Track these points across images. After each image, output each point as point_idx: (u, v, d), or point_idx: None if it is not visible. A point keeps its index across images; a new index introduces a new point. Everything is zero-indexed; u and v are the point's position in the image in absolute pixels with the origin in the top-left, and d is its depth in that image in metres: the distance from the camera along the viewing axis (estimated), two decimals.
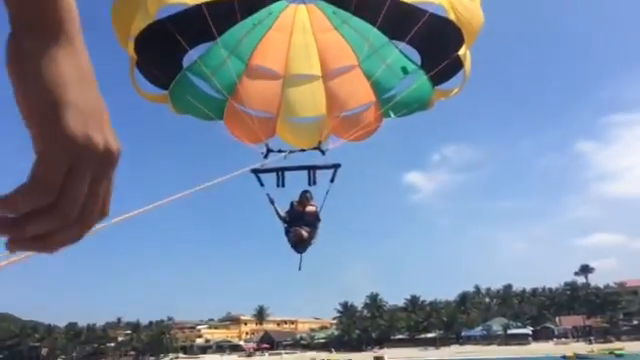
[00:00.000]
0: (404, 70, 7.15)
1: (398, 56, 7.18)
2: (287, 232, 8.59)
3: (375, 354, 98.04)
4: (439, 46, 6.80)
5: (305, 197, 8.83)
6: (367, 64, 7.40)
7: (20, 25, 0.78)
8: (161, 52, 8.10)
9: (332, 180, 8.57)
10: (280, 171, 8.51)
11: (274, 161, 8.37)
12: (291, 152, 8.43)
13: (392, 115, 7.60)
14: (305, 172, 8.59)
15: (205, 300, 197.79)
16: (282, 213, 8.79)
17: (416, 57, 7.17)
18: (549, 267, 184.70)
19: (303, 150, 8.50)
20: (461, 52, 6.37)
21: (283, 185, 8.59)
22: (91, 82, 0.79)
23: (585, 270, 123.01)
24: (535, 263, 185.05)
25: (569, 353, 69.24)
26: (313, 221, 8.68)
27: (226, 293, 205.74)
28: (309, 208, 8.81)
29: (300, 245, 8.38)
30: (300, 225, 8.50)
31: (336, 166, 8.50)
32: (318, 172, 8.59)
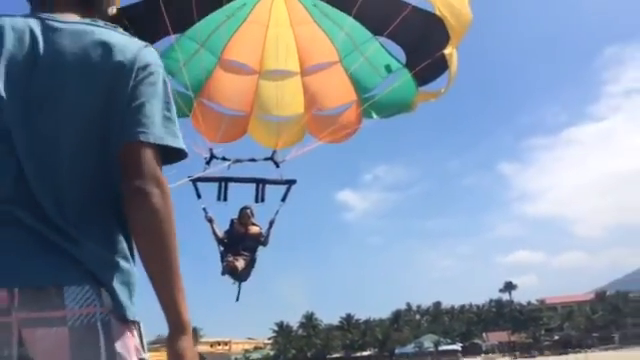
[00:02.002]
0: (388, 69, 6.90)
1: (382, 53, 6.92)
2: (222, 258, 7.43)
3: None
4: (423, 44, 6.61)
5: (245, 214, 7.69)
6: (348, 60, 7.06)
7: (170, 328, 1.45)
8: None
9: (284, 199, 7.48)
10: (224, 182, 7.45)
11: (217, 171, 7.47)
12: (237, 161, 7.47)
13: (374, 116, 7.32)
14: (253, 186, 7.62)
15: None
16: (220, 234, 7.60)
17: (401, 55, 6.99)
18: (475, 283, 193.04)
19: (253, 160, 7.62)
20: (447, 51, 6.25)
21: (225, 199, 7.46)
22: (192, 353, 1.46)
23: (509, 287, 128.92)
24: (462, 280, 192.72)
25: None
26: (255, 245, 7.57)
27: (153, 315, 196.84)
28: (252, 229, 7.69)
29: (235, 275, 7.28)
30: (239, 251, 7.35)
31: (291, 182, 7.52)
32: (268, 187, 7.64)
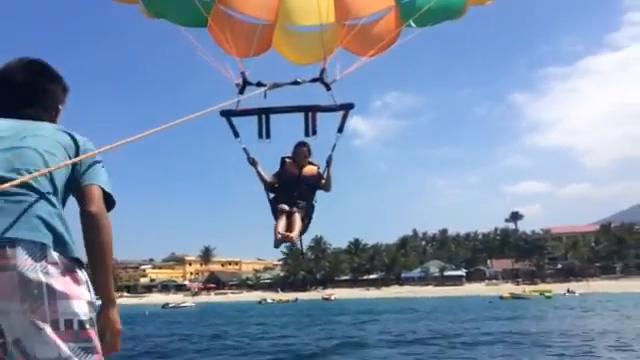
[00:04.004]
0: None
1: None
2: (273, 208, 6.23)
3: (322, 294, 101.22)
4: None
5: (301, 153, 6.40)
6: None
7: (102, 303, 2.15)
8: None
9: (340, 129, 6.16)
10: (264, 114, 6.13)
11: (252, 99, 6.10)
12: (276, 86, 6.04)
13: (413, 25, 6.49)
14: (301, 116, 6.25)
15: (147, 240, 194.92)
16: (268, 177, 6.33)
17: None
18: (481, 212, 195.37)
19: (297, 83, 6.23)
20: None
21: (268, 136, 6.11)
22: (118, 318, 2.21)
23: (515, 217, 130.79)
24: (468, 208, 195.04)
25: (505, 294, 73.90)
26: (313, 189, 6.35)
27: (167, 233, 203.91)
28: (308, 169, 6.42)
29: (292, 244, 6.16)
30: (293, 198, 6.19)
31: (347, 107, 6.14)
32: (320, 116, 6.26)
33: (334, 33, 6.75)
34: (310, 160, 6.50)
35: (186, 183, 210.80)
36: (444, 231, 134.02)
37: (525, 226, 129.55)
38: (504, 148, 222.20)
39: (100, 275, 2.14)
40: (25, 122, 2.29)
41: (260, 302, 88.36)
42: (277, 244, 6.10)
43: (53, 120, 2.48)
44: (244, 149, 6.24)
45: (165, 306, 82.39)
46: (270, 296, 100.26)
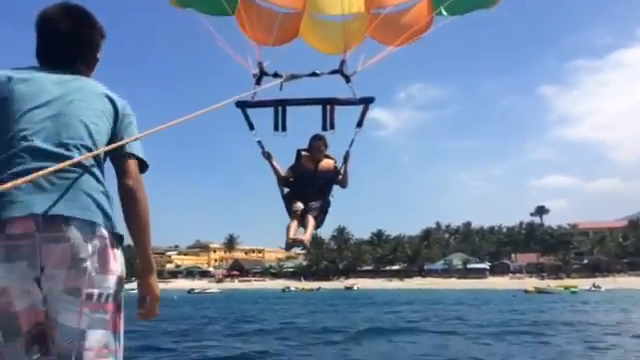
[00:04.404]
0: None
1: None
2: (287, 204, 6.08)
3: (345, 284, 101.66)
4: None
5: (317, 146, 6.14)
6: None
7: (142, 270, 2.33)
8: None
9: (360, 124, 5.90)
10: (280, 106, 5.95)
11: (267, 90, 5.88)
12: (293, 77, 5.85)
13: (445, 13, 6.38)
14: (319, 109, 5.99)
15: (172, 227, 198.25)
16: (283, 171, 6.14)
17: None
18: (506, 206, 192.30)
19: (315, 74, 6.00)
20: None
21: (284, 128, 5.92)
22: (157, 284, 2.35)
23: (540, 211, 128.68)
24: (493, 202, 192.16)
25: (530, 288, 72.81)
26: (329, 185, 6.12)
27: (192, 221, 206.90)
28: (325, 163, 6.20)
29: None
30: (307, 197, 6.01)
31: (367, 101, 5.87)
32: (339, 109, 6.00)
33: (362, 22, 6.71)
34: (327, 154, 6.30)
35: (212, 171, 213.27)
36: (468, 224, 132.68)
37: (551, 220, 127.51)
38: (531, 141, 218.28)
39: (139, 244, 2.26)
40: (70, 80, 2.27)
41: (284, 290, 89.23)
42: (288, 247, 6.04)
43: (91, 70, 2.46)
44: (259, 142, 6.07)
45: (191, 291, 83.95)
46: (293, 284, 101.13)
